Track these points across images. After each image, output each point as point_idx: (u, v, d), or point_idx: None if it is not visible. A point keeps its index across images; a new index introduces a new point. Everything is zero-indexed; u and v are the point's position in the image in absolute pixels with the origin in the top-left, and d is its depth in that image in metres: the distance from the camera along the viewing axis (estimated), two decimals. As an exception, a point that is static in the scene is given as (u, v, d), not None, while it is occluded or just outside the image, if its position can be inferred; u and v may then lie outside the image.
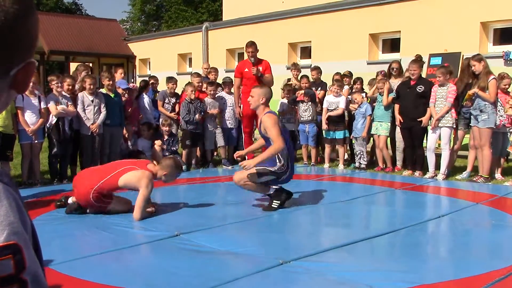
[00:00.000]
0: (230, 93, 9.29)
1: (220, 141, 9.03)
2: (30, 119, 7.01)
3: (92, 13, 39.24)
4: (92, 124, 7.48)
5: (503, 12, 10.16)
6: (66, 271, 3.56)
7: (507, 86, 7.46)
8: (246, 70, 8.59)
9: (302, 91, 9.07)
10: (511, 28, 10.49)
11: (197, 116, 8.57)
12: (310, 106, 8.91)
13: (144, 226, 4.85)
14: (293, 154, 5.79)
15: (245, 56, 9.04)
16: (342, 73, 9.77)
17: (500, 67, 9.57)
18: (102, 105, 7.61)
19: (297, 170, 8.75)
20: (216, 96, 9.03)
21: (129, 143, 8.39)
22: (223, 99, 9.15)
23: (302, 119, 9.05)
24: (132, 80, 19.94)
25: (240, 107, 8.71)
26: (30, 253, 0.86)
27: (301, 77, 9.49)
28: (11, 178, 0.91)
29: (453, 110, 7.48)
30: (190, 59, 18.32)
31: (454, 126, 7.59)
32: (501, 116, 7.34)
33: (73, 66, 19.81)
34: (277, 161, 5.45)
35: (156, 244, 4.31)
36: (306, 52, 14.56)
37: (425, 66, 9.56)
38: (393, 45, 12.62)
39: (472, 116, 7.39)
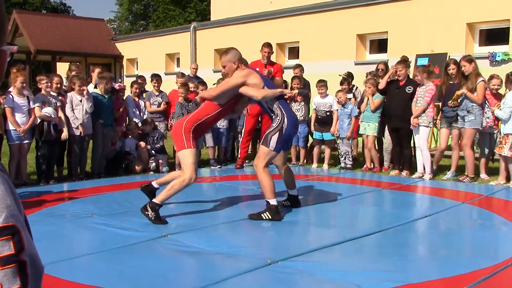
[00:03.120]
0: None
1: (209, 142, 9.02)
2: (20, 119, 7.00)
3: (79, 13, 38.98)
4: (81, 124, 7.47)
5: (489, 13, 10.27)
6: (53, 273, 3.54)
7: (496, 87, 7.50)
8: (257, 69, 8.59)
9: (296, 91, 9.09)
10: (496, 29, 10.61)
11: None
12: (303, 107, 8.95)
13: (132, 227, 4.83)
14: (286, 106, 5.38)
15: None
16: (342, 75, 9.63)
17: (486, 68, 9.66)
18: (90, 105, 7.58)
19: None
20: None
21: (117, 144, 8.35)
22: None
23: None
24: (120, 80, 19.85)
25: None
26: (27, 235, 0.89)
27: (293, 77, 9.52)
28: (4, 166, 0.94)
29: (430, 110, 7.55)
30: (178, 59, 18.28)
31: (431, 126, 7.67)
32: (488, 118, 7.42)
33: (59, 65, 19.68)
34: (273, 115, 5.28)
35: (144, 244, 4.29)
36: (294, 52, 14.59)
37: (412, 66, 9.63)
38: (380, 45, 12.70)
39: (459, 117, 7.45)
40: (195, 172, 5.12)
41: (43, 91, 7.27)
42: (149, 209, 5.06)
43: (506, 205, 6.05)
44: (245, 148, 8.92)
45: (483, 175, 7.62)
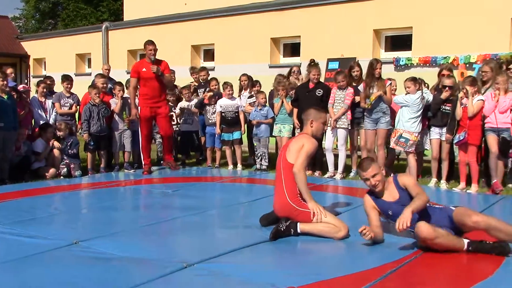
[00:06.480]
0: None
1: (127, 145, 8.76)
2: None
3: (-21, 8, 36.52)
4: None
5: (394, 21, 10.86)
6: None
7: (395, 87, 8.06)
8: (144, 70, 8.32)
9: (211, 93, 9.08)
10: (400, 35, 11.23)
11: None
12: (216, 108, 8.95)
13: (40, 235, 4.59)
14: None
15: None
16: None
17: (391, 72, 10.21)
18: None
19: (201, 173, 8.79)
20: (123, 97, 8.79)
21: (22, 148, 7.90)
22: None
23: (210, 121, 9.06)
24: (26, 81, 18.87)
25: (137, 108, 8.45)
26: None
27: (211, 79, 9.53)
28: None
29: (348, 112, 7.86)
30: (90, 60, 17.68)
31: (350, 128, 7.96)
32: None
33: (-42, 65, 18.34)
34: None
35: (52, 253, 4.10)
36: (209, 54, 14.59)
37: (323, 70, 9.96)
38: (293, 49, 13.01)
39: (370, 119, 7.72)
40: (347, 229, 4.61)
41: None
42: (285, 224, 4.62)
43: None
44: (147, 153, 8.62)
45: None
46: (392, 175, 4.65)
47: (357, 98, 7.80)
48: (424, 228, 3.97)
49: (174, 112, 9.39)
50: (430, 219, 4.21)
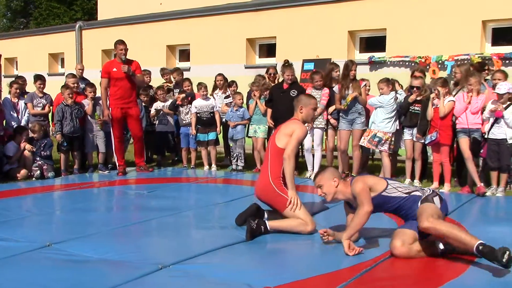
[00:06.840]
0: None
1: (101, 146, 8.66)
2: None
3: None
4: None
5: (368, 22, 10.97)
6: None
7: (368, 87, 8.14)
8: (115, 70, 8.19)
9: (183, 95, 9.05)
10: (374, 37, 11.35)
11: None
12: (191, 110, 8.92)
13: (12, 237, 4.51)
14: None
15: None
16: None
17: (366, 73, 10.32)
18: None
19: (177, 173, 8.74)
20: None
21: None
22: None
23: (184, 122, 9.03)
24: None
25: (109, 109, 8.34)
26: None
27: (184, 79, 9.51)
28: None
29: (324, 112, 7.92)
30: (63, 59, 17.42)
31: (326, 128, 8.01)
32: None
33: None
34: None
35: (25, 256, 4.03)
36: (184, 55, 14.52)
37: (298, 70, 10.01)
38: (269, 50, 13.05)
39: (346, 120, 7.78)
40: (314, 224, 4.73)
41: None
42: (255, 223, 4.63)
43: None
44: (121, 154, 8.51)
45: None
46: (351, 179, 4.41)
47: (331, 109, 7.88)
48: (398, 251, 3.97)
49: (148, 113, 9.34)
50: (400, 215, 4.27)
